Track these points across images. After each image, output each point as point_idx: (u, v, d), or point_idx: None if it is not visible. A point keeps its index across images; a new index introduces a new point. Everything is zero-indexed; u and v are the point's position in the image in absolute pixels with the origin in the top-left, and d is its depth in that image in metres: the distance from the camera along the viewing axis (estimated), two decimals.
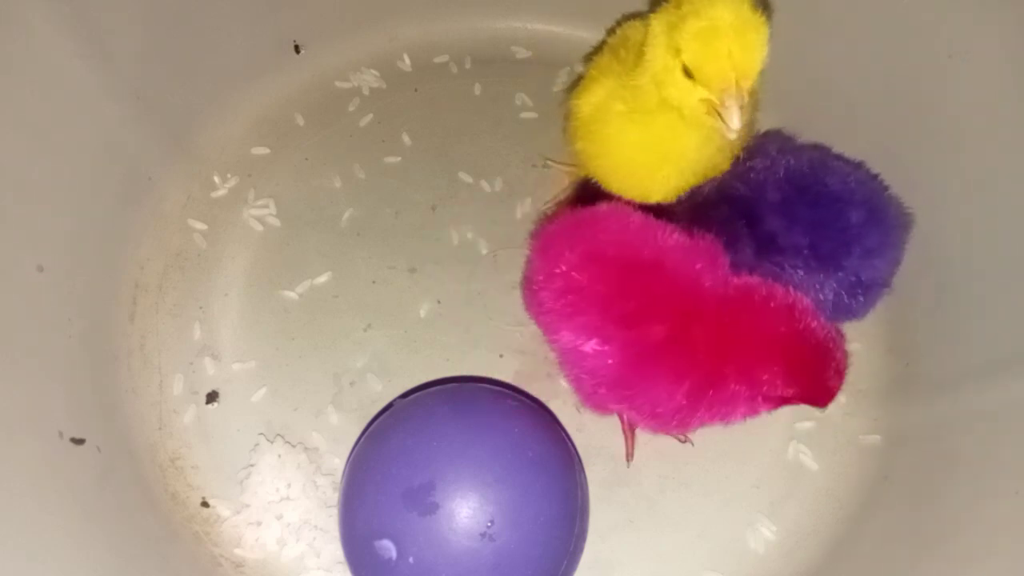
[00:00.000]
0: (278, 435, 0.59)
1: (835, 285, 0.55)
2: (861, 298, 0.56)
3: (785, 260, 0.55)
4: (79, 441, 0.53)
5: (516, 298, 0.63)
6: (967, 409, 0.55)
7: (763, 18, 0.49)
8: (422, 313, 0.63)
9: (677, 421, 0.51)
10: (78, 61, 0.57)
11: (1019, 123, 0.54)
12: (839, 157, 0.62)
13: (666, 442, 0.59)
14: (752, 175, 0.57)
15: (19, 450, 0.48)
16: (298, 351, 0.62)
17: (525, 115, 0.70)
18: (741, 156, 0.58)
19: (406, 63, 0.73)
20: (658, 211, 0.54)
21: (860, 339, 0.62)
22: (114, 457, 0.55)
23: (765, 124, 0.70)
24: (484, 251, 0.65)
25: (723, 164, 0.57)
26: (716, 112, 0.48)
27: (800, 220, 0.55)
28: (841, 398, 0.60)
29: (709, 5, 0.48)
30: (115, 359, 0.60)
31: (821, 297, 0.55)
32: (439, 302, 0.63)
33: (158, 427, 0.59)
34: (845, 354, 0.51)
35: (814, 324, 0.49)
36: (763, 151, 0.59)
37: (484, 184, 0.68)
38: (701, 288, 0.49)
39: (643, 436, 0.59)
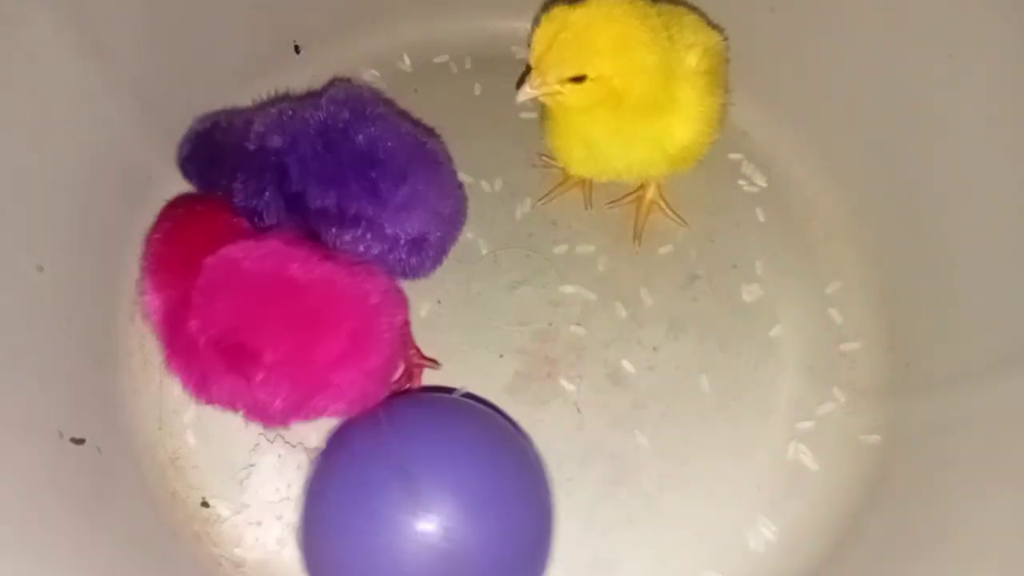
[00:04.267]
0: (278, 435, 0.59)
1: (381, 245, 0.54)
2: (414, 258, 0.56)
3: (315, 222, 0.53)
4: (79, 441, 0.53)
5: (516, 298, 0.63)
6: (967, 409, 0.55)
7: (613, 35, 0.51)
8: (422, 313, 0.63)
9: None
10: (78, 61, 0.57)
11: (1019, 123, 0.54)
12: (389, 114, 0.58)
13: (666, 442, 0.59)
14: (287, 123, 0.55)
15: (19, 450, 0.48)
16: None
17: (525, 115, 0.70)
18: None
19: (406, 63, 0.73)
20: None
21: (860, 338, 0.62)
22: (114, 457, 0.55)
23: (764, 123, 0.70)
24: (484, 251, 0.65)
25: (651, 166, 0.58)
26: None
27: (327, 180, 0.53)
28: (841, 397, 0.60)
29: (592, 6, 0.51)
30: (115, 359, 0.60)
31: (369, 254, 0.54)
32: (439, 302, 0.63)
33: (158, 427, 0.59)
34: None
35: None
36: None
37: (484, 184, 0.68)
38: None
39: (642, 438, 0.59)
